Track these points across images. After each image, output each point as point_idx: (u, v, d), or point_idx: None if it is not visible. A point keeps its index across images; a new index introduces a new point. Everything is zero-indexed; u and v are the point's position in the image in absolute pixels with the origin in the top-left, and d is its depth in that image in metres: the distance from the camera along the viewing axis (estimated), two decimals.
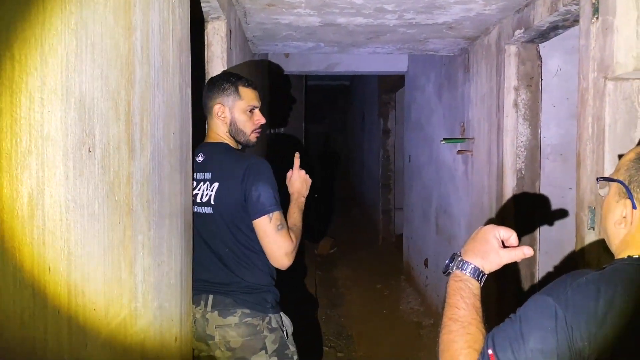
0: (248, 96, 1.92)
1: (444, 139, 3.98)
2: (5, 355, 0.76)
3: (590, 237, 2.02)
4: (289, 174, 2.03)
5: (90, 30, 1.01)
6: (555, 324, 0.92)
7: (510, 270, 2.96)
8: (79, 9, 0.97)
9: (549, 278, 3.03)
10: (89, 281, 1.02)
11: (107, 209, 1.11)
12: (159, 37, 1.46)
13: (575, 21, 2.35)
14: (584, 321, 0.91)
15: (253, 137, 1.96)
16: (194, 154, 1.92)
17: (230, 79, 1.93)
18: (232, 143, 1.93)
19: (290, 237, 1.79)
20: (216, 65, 2.58)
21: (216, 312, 1.83)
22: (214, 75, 2.58)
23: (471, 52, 3.63)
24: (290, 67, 5.18)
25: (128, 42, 1.22)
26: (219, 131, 1.92)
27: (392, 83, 6.74)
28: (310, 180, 2.02)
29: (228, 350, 1.83)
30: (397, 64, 5.56)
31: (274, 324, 1.85)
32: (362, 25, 3.13)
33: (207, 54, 2.57)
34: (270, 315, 1.85)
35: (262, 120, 1.97)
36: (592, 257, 2.01)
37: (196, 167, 1.89)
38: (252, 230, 1.80)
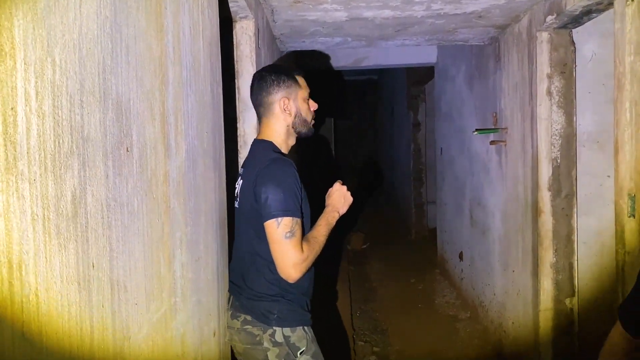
0: (304, 84, 1.87)
1: (476, 129, 3.92)
2: (56, 345, 0.79)
3: (630, 225, 1.97)
4: (331, 188, 1.91)
5: (124, 34, 1.04)
6: None
7: (548, 262, 2.91)
8: (113, 13, 1.00)
9: (587, 269, 2.96)
10: (130, 277, 1.06)
11: (145, 206, 1.14)
12: (189, 38, 1.49)
13: (610, 4, 2.28)
14: None
15: (313, 124, 1.90)
16: None
17: (285, 70, 1.86)
18: (281, 140, 1.84)
19: (302, 247, 1.63)
20: (245, 64, 2.61)
21: (230, 312, 1.82)
22: (243, 74, 2.62)
23: (502, 40, 3.56)
24: (318, 63, 5.19)
25: (160, 43, 1.25)
26: (276, 127, 1.83)
27: (421, 75, 6.67)
28: (351, 200, 1.88)
29: (238, 354, 1.82)
30: (426, 56, 5.50)
31: (278, 338, 1.71)
32: (389, 18, 3.12)
33: (236, 53, 2.60)
34: (274, 328, 1.71)
35: (316, 105, 1.91)
36: (634, 245, 1.95)
37: (243, 163, 1.89)
38: (264, 237, 1.68)
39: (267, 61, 3.05)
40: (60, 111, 0.81)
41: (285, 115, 1.83)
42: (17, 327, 0.71)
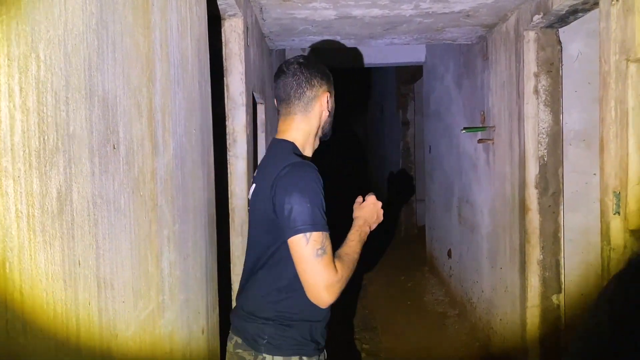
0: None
1: (465, 128, 3.95)
2: (41, 344, 0.79)
3: (615, 222, 1.99)
4: (359, 198, 1.70)
5: (110, 30, 1.04)
6: None
7: (535, 259, 2.93)
8: (99, 9, 0.99)
9: (573, 266, 2.99)
10: (117, 274, 1.05)
11: (132, 204, 1.13)
12: (177, 35, 1.49)
13: (595, 4, 2.30)
14: None
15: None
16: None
17: (320, 63, 1.67)
18: (307, 141, 1.61)
19: (335, 267, 1.40)
20: (234, 62, 2.60)
21: (229, 333, 1.63)
22: (232, 72, 2.61)
23: (489, 39, 3.59)
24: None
25: (148, 40, 1.25)
26: (304, 126, 1.59)
27: (410, 74, 6.70)
28: (382, 218, 1.68)
29: None
30: (414, 55, 5.52)
31: None
32: (378, 16, 3.12)
33: (225, 51, 2.59)
34: (264, 354, 1.47)
35: (334, 105, 1.72)
36: (619, 242, 1.98)
37: (259, 165, 1.67)
38: (268, 247, 1.49)
39: (256, 59, 3.04)
40: (45, 107, 0.80)
41: (323, 113, 1.62)
42: (1, 325, 0.70)
